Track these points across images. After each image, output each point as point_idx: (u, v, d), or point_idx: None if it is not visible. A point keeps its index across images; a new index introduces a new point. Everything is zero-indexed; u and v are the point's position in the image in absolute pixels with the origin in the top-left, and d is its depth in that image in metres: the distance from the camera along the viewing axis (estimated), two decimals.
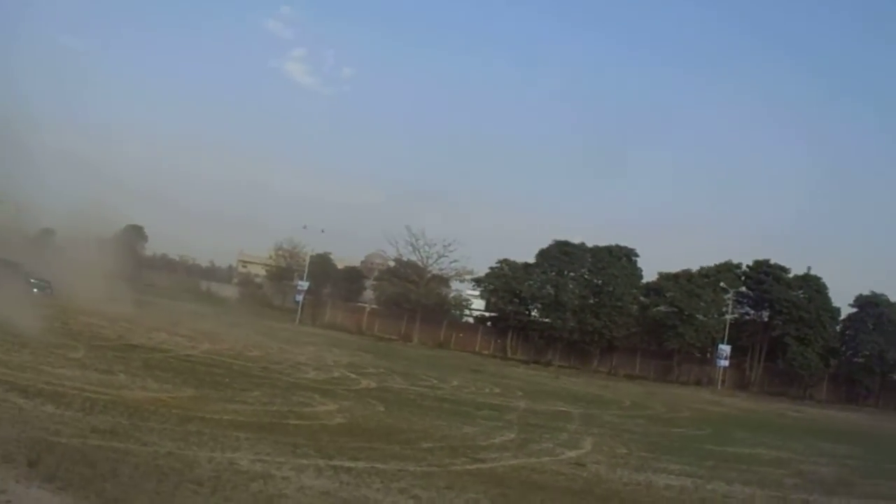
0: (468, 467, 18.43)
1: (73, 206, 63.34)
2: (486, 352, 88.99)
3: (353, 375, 37.02)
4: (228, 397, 23.06)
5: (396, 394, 32.76)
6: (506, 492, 16.10)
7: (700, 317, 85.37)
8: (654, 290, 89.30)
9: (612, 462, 22.55)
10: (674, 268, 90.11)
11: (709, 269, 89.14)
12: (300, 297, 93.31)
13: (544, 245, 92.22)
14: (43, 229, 77.51)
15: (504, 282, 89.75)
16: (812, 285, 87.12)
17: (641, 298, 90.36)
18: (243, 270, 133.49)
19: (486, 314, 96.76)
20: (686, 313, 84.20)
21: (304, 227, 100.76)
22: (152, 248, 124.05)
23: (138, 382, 22.71)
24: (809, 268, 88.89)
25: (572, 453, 23.20)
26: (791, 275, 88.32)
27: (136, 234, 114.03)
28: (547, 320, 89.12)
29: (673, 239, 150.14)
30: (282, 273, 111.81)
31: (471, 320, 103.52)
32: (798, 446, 33.72)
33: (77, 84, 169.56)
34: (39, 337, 27.92)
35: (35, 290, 47.54)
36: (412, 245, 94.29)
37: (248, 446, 16.40)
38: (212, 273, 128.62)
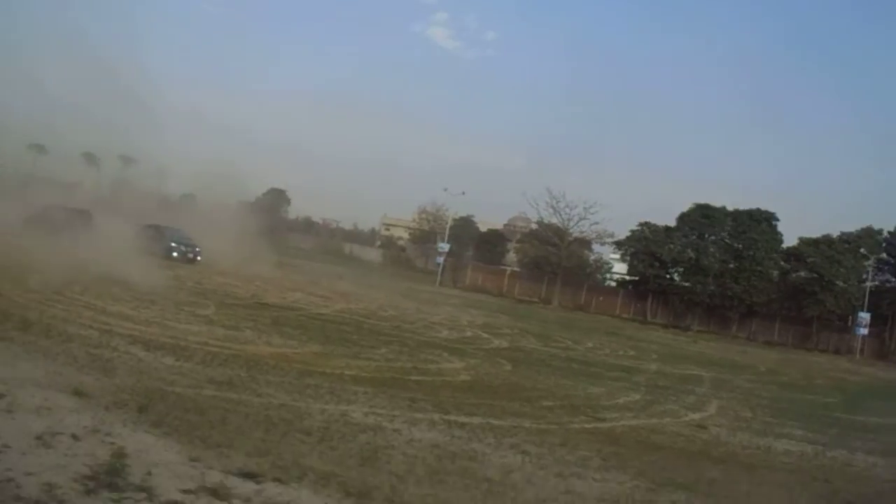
0: (586, 426, 18.25)
1: (212, 170, 64.62)
2: (625, 315, 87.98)
3: (485, 335, 36.89)
4: (353, 354, 23.20)
5: (527, 353, 32.54)
6: (620, 450, 15.87)
7: (840, 283, 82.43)
8: (795, 255, 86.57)
9: (735, 426, 22.07)
10: (814, 233, 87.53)
11: (849, 234, 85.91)
12: (441, 260, 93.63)
13: (685, 208, 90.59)
14: (184, 194, 79.55)
15: (644, 245, 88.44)
16: None
17: (782, 264, 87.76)
18: (386, 233, 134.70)
19: (627, 278, 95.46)
20: (826, 280, 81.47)
21: (445, 190, 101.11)
22: (295, 211, 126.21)
23: (264, 338, 23.00)
24: None
25: (695, 416, 22.81)
26: None
27: (278, 197, 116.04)
28: (687, 284, 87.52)
29: (813, 203, 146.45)
30: (424, 236, 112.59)
31: (612, 284, 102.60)
32: None
33: (220, 49, 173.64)
34: (170, 295, 28.61)
35: (175, 254, 47.48)
36: (553, 207, 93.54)
37: (364, 400, 16.50)
38: (355, 236, 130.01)
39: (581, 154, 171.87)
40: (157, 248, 46.29)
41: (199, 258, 48.56)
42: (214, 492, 8.97)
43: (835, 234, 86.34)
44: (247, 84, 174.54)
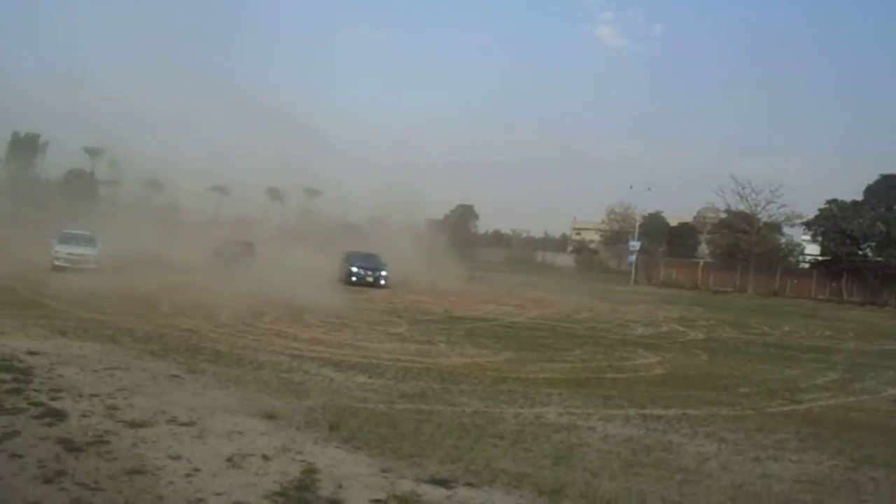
0: (783, 409, 17.66)
1: (394, 193, 65.58)
2: (821, 296, 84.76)
3: (681, 329, 36.17)
4: (547, 357, 22.95)
5: (723, 343, 31.73)
6: (818, 431, 15.27)
7: None
8: None
9: None
10: None
11: None
12: (633, 258, 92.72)
13: (870, 181, 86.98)
14: (371, 218, 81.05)
15: (833, 223, 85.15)
16: None
17: None
18: (577, 237, 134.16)
19: (819, 258, 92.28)
20: None
21: (631, 188, 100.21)
22: (484, 225, 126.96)
23: (457, 350, 22.96)
24: None
25: (895, 391, 21.69)
26: None
27: (466, 212, 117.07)
28: (880, 259, 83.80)
29: None
30: (615, 236, 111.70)
31: (805, 266, 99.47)
32: None
33: (386, 72, 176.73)
34: (362, 317, 28.91)
35: (354, 278, 47.57)
36: (739, 194, 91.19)
37: (558, 401, 16.23)
38: (546, 243, 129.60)
39: (760, 138, 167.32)
40: (340, 272, 47.04)
41: (382, 281, 48.08)
42: (405, 500, 8.89)
43: None
44: (416, 104, 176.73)
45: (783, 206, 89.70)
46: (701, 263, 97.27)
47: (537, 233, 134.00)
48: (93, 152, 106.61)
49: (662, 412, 15.90)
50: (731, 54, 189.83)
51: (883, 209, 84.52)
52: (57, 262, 40.07)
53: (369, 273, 48.17)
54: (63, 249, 40.99)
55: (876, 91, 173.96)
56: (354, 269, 48.16)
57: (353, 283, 46.38)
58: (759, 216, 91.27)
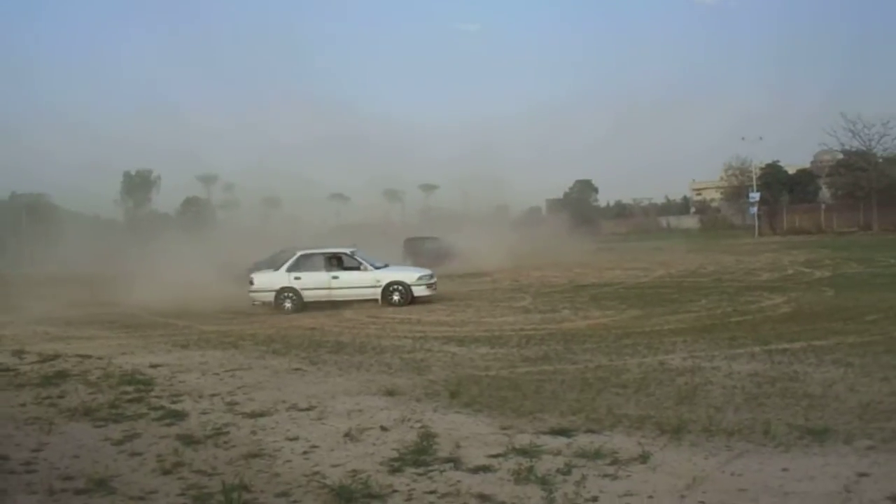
0: None
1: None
2: None
3: (807, 270, 35.56)
4: (672, 311, 22.68)
5: (849, 278, 31.14)
6: None
7: None
8: None
9: None
10: None
11: None
12: (754, 210, 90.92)
13: None
14: (498, 206, 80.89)
15: None
16: None
17: None
18: (698, 198, 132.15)
19: None
20: None
21: (743, 139, 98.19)
22: (605, 197, 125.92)
23: (581, 314, 22.82)
24: None
25: None
26: None
27: (585, 187, 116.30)
28: None
29: None
30: (735, 191, 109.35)
31: None
32: None
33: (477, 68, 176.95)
34: (485, 296, 28.83)
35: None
36: (851, 131, 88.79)
37: (682, 348, 16.03)
38: (669, 208, 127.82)
39: (869, 75, 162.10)
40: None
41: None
42: (524, 451, 8.81)
43: None
44: (513, 89, 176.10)
45: None
46: (823, 207, 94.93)
47: (659, 199, 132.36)
48: (206, 179, 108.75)
49: (787, 346, 15.67)
50: None
51: None
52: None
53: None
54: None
55: None
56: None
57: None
58: (875, 151, 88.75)
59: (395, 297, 27.66)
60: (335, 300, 27.93)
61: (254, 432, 10.31)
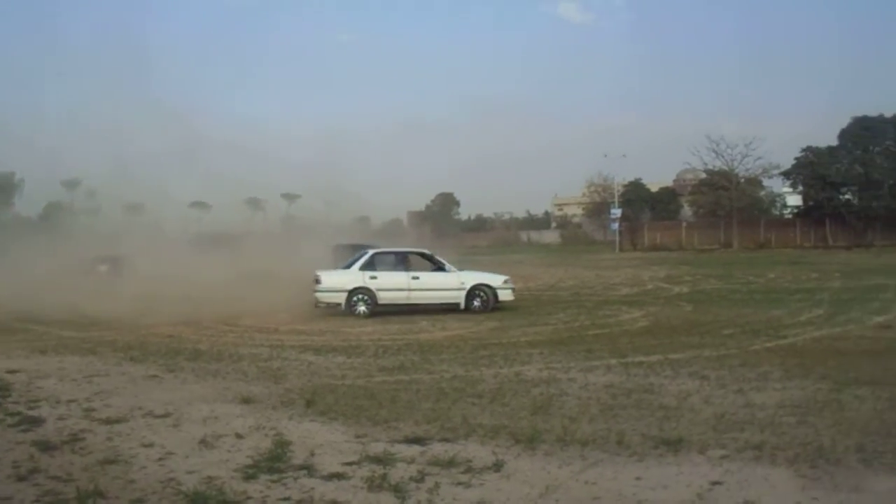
0: (767, 345, 17.88)
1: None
2: (806, 244, 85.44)
3: (666, 285, 36.59)
4: (530, 323, 23.16)
5: (707, 294, 32.10)
6: (802, 361, 15.41)
7: None
8: None
9: None
10: None
11: None
12: (616, 226, 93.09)
13: (843, 125, 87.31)
14: (359, 217, 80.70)
15: (811, 170, 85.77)
16: None
17: None
18: (560, 213, 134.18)
19: (801, 206, 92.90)
20: None
21: (605, 156, 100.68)
22: (466, 211, 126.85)
23: (438, 325, 23.03)
24: None
25: (880, 318, 22.16)
26: None
27: (447, 200, 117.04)
28: (861, 201, 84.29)
29: None
30: (597, 207, 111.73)
31: (789, 216, 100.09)
32: None
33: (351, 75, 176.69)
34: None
35: None
36: (714, 151, 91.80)
37: (539, 359, 16.28)
38: (530, 223, 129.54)
39: (732, 96, 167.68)
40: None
41: None
42: (378, 459, 8.86)
43: None
44: (378, 99, 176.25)
45: (759, 158, 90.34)
46: (684, 224, 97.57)
47: (520, 213, 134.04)
48: (69, 185, 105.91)
49: (644, 358, 16.03)
50: (692, 18, 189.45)
51: (859, 152, 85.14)
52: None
53: None
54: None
55: (840, 34, 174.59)
56: None
57: None
58: (737, 171, 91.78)
59: (476, 303, 26.30)
60: (413, 304, 26.33)
61: (110, 438, 10.15)
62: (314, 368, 15.75)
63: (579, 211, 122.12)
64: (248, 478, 8.33)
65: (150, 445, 9.72)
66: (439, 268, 27.08)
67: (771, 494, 7.65)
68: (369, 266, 26.49)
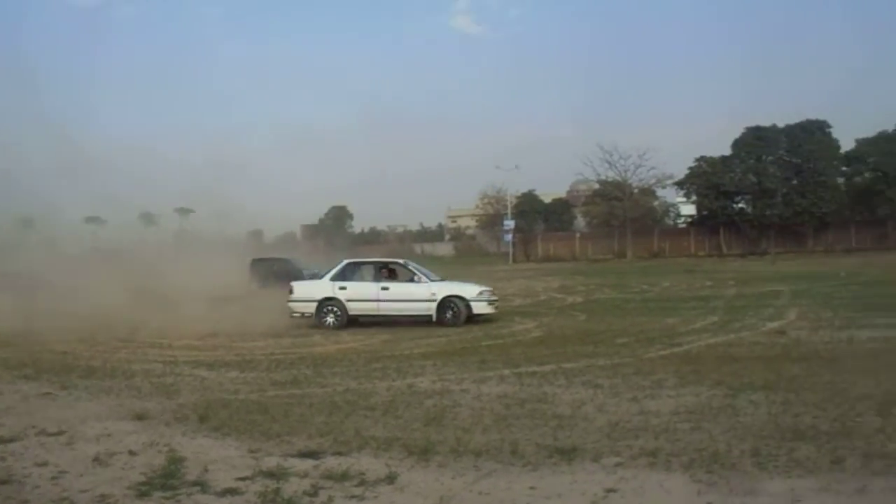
0: (661, 353, 18.16)
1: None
2: (701, 253, 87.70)
3: (560, 296, 37.06)
4: (423, 335, 23.27)
5: (601, 303, 32.55)
6: (697, 368, 15.71)
7: None
8: (855, 158, 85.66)
9: (815, 326, 21.93)
10: (870, 132, 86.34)
11: None
12: (509, 237, 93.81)
13: (737, 135, 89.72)
14: (252, 231, 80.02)
15: (705, 179, 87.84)
16: None
17: (843, 169, 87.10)
18: (453, 225, 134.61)
19: (695, 215, 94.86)
20: (891, 176, 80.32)
21: (497, 168, 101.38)
22: (360, 224, 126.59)
23: (331, 339, 23.15)
24: None
25: (774, 324, 22.77)
26: None
27: (340, 213, 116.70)
28: (755, 209, 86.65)
29: (863, 104, 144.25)
30: (490, 219, 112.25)
31: (683, 225, 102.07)
32: None
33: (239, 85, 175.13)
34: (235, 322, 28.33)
35: None
36: (608, 162, 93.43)
37: (432, 371, 16.48)
38: (424, 235, 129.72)
39: (625, 107, 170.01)
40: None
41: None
42: (271, 474, 8.94)
43: (890, 128, 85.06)
44: (268, 113, 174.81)
45: (652, 168, 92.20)
46: (578, 235, 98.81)
47: (413, 226, 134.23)
48: None
49: (538, 368, 16.25)
50: (584, 30, 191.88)
51: (752, 161, 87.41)
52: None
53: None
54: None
55: (732, 44, 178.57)
56: None
57: None
58: (630, 182, 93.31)
59: (449, 315, 25.37)
60: (384, 315, 26.01)
61: (3, 458, 10.05)
62: (207, 384, 15.72)
63: (473, 223, 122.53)
64: (142, 495, 8.34)
65: (44, 464, 9.65)
66: (410, 279, 26.69)
67: (666, 500, 7.87)
68: (340, 276, 26.41)
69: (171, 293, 29.27)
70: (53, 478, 9.12)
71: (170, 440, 10.76)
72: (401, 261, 27.92)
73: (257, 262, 45.99)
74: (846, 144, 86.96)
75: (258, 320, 26.31)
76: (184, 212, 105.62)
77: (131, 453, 10.11)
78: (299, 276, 42.02)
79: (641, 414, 11.72)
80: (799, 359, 16.55)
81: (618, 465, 9.07)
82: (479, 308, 26.00)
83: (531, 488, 8.33)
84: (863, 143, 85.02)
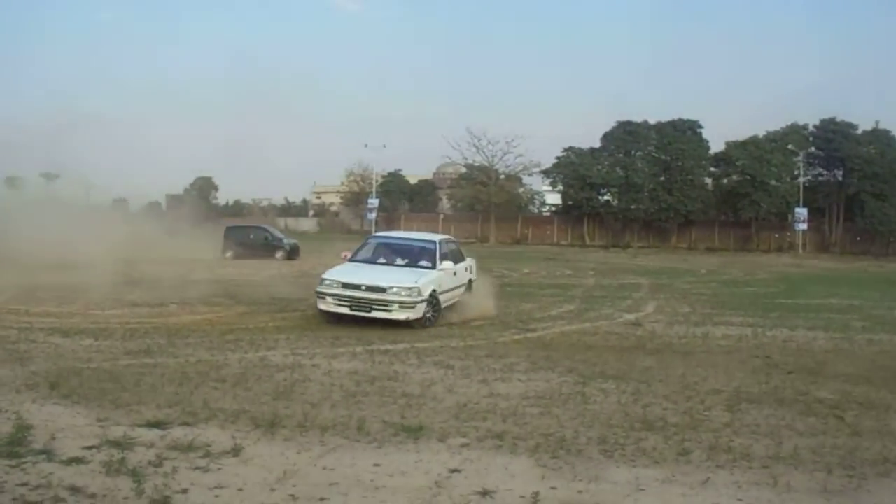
0: (515, 337, 18.68)
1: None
2: (564, 242, 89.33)
3: None
4: (279, 308, 23.48)
5: None
6: (549, 354, 16.17)
7: (773, 182, 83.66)
8: (724, 159, 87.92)
9: (672, 320, 22.61)
10: (740, 136, 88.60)
11: (775, 132, 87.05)
12: (372, 215, 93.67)
13: (607, 128, 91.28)
14: (116, 199, 78.38)
15: (572, 170, 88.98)
16: (882, 139, 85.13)
17: (712, 170, 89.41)
18: (318, 201, 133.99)
19: (560, 205, 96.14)
20: (758, 180, 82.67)
21: (366, 146, 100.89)
22: (225, 196, 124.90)
23: (188, 309, 22.98)
24: (878, 122, 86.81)
25: (631, 316, 23.37)
26: (860, 131, 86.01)
27: (206, 184, 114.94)
28: (621, 203, 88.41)
29: (735, 107, 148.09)
30: (355, 197, 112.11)
31: (548, 214, 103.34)
32: (874, 295, 33.54)
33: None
34: (102, 288, 27.85)
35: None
36: (475, 146, 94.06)
37: (285, 345, 16.69)
38: (288, 210, 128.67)
39: (496, 92, 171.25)
40: None
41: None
42: (117, 443, 9.02)
43: (760, 134, 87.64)
44: (142, 77, 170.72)
45: (520, 156, 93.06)
46: (441, 216, 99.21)
47: (278, 200, 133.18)
48: None
49: (390, 347, 16.59)
50: (464, 12, 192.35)
51: (621, 155, 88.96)
52: None
53: None
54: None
55: (607, 38, 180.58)
56: None
57: None
58: (497, 167, 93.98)
59: None
60: None
61: None
62: (61, 351, 15.56)
63: (338, 200, 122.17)
64: None
65: None
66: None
67: (510, 483, 8.10)
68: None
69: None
70: None
71: (19, 407, 10.68)
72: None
73: (232, 230, 43.67)
74: (716, 146, 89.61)
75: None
76: (50, 177, 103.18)
77: None
78: (280, 246, 40.21)
79: (491, 396, 12.07)
80: (653, 351, 17.21)
81: (463, 445, 9.37)
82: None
83: (376, 465, 8.58)
84: (732, 146, 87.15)
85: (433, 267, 21.16)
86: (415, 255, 22.00)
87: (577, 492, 7.90)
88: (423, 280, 20.24)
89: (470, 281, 23.82)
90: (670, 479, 8.35)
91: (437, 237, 23.89)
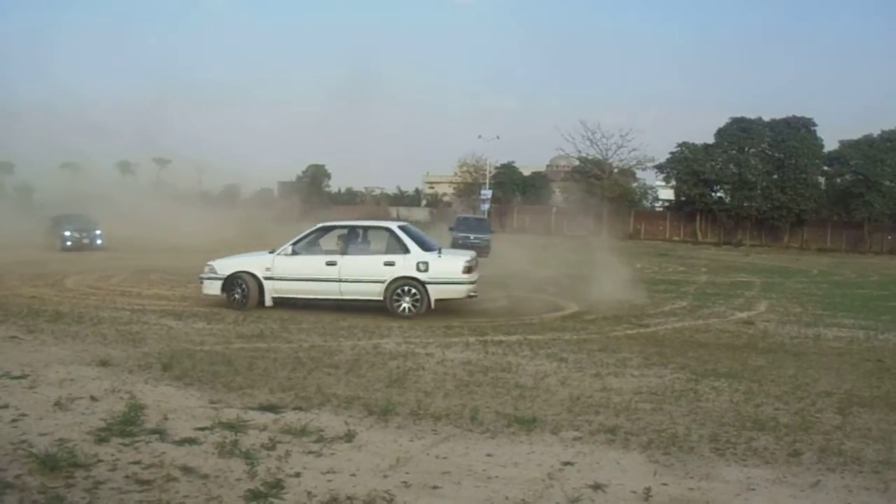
0: (628, 332, 18.19)
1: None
2: (676, 238, 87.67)
3: (529, 268, 36.61)
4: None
5: (571, 277, 32.22)
6: (662, 350, 15.80)
7: (887, 183, 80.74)
8: (837, 159, 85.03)
9: (784, 320, 21.77)
10: (854, 135, 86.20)
11: (891, 132, 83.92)
12: (486, 206, 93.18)
13: (721, 125, 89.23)
14: (228, 185, 79.89)
15: (686, 165, 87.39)
16: None
17: (825, 169, 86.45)
18: (431, 191, 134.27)
19: (673, 200, 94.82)
20: (872, 180, 79.92)
21: (479, 137, 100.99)
22: (337, 184, 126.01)
23: None
24: None
25: (743, 314, 22.58)
26: None
27: (318, 172, 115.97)
28: (733, 200, 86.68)
29: (849, 105, 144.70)
30: (468, 188, 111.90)
31: (660, 209, 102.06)
32: None
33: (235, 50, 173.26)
34: None
35: (68, 242, 42.72)
36: (589, 139, 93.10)
37: (398, 333, 16.62)
38: (400, 199, 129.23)
39: (609, 86, 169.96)
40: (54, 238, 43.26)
41: (98, 241, 43.25)
42: (230, 425, 8.99)
43: (875, 133, 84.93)
44: (257, 66, 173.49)
45: (634, 150, 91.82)
46: (554, 209, 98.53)
47: (391, 189, 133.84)
48: None
49: (504, 338, 16.32)
50: (578, 5, 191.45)
51: (734, 151, 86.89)
52: None
53: (84, 236, 43.51)
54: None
55: (722, 36, 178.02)
56: (67, 234, 43.31)
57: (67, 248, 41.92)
58: (611, 161, 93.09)
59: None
60: None
61: None
62: (173, 333, 15.76)
63: (450, 190, 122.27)
64: (101, 441, 8.37)
65: (5, 407, 9.64)
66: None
67: (621, 478, 7.85)
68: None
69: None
70: (13, 420, 9.12)
71: (132, 387, 10.79)
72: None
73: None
74: (829, 145, 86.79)
75: None
76: (162, 162, 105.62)
77: (93, 399, 10.13)
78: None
79: (603, 390, 11.79)
80: (765, 350, 16.60)
81: (576, 439, 9.13)
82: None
83: (488, 455, 8.38)
84: (846, 145, 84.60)
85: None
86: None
87: (689, 489, 7.64)
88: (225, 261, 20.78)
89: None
90: (781, 479, 8.01)
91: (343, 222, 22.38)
